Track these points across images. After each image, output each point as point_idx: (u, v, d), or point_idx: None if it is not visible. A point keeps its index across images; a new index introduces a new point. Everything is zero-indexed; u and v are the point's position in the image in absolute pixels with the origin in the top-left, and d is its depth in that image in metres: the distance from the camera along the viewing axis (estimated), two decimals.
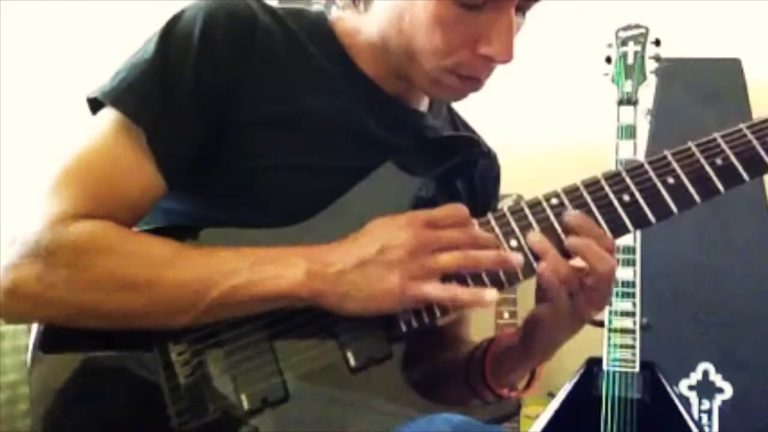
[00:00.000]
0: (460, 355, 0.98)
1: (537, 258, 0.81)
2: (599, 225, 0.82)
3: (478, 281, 0.80)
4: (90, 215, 0.79)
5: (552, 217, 0.82)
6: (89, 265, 0.77)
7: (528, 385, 0.99)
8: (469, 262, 0.79)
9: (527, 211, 0.83)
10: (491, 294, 0.78)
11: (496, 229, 0.82)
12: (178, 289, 0.77)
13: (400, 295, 0.77)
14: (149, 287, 0.77)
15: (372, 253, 0.77)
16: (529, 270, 0.81)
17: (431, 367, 0.92)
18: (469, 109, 0.99)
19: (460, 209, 0.81)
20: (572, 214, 0.81)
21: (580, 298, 0.82)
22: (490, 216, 0.83)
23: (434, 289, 0.77)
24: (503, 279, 0.81)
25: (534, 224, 0.82)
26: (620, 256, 1.82)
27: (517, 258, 0.80)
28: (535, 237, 0.81)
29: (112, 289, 0.77)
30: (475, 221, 0.83)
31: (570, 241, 0.80)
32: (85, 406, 0.80)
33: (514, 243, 0.82)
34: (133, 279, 0.77)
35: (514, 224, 0.82)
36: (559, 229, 0.82)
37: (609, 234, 0.82)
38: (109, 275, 0.77)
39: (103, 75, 0.86)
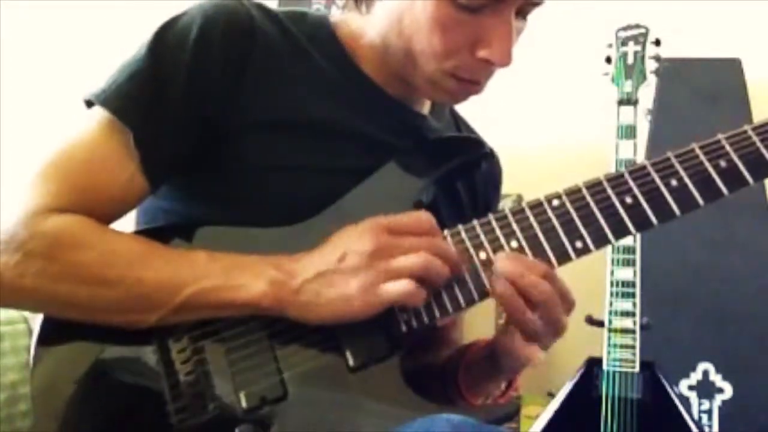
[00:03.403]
0: (444, 359, 0.98)
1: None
2: (601, 227, 0.81)
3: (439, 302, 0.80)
4: (68, 209, 0.80)
5: (554, 219, 0.82)
6: (63, 258, 0.78)
7: (504, 393, 0.98)
8: (428, 266, 0.77)
9: (529, 212, 0.82)
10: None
11: (497, 230, 0.82)
12: (148, 287, 0.78)
13: (361, 301, 0.76)
14: (120, 284, 0.78)
15: (333, 261, 0.77)
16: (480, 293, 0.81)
17: (420, 368, 0.91)
18: (470, 109, 0.99)
19: (423, 217, 0.81)
20: (499, 256, 0.79)
21: (526, 325, 0.79)
22: (491, 216, 0.83)
23: (394, 288, 0.76)
24: (474, 295, 0.81)
25: (535, 225, 0.82)
26: (620, 256, 1.82)
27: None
28: (498, 259, 0.79)
29: (84, 282, 0.78)
30: (476, 221, 0.83)
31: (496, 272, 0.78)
32: (86, 403, 0.81)
33: (514, 244, 0.81)
34: (105, 274, 0.78)
35: (515, 225, 0.82)
36: (560, 231, 0.81)
37: (611, 237, 0.81)
38: (81, 269, 0.78)
39: (102, 76, 0.86)
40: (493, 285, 0.79)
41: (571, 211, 0.82)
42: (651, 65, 1.94)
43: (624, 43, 1.96)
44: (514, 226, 0.82)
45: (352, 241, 0.78)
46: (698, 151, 0.82)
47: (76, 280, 0.78)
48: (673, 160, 0.82)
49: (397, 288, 0.76)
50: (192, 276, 0.78)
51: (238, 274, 0.78)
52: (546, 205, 0.82)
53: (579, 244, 0.81)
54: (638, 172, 0.82)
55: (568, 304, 0.81)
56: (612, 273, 1.83)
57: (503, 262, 0.79)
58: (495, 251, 0.81)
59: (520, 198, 2.17)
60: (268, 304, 0.78)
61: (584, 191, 0.82)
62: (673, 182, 0.81)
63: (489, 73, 0.87)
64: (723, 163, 0.81)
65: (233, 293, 0.78)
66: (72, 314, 0.79)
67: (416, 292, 0.77)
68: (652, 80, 1.96)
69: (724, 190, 0.80)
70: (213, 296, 0.78)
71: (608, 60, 1.98)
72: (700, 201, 0.81)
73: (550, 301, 0.78)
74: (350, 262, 0.77)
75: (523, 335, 0.81)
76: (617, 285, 1.83)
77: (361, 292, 0.76)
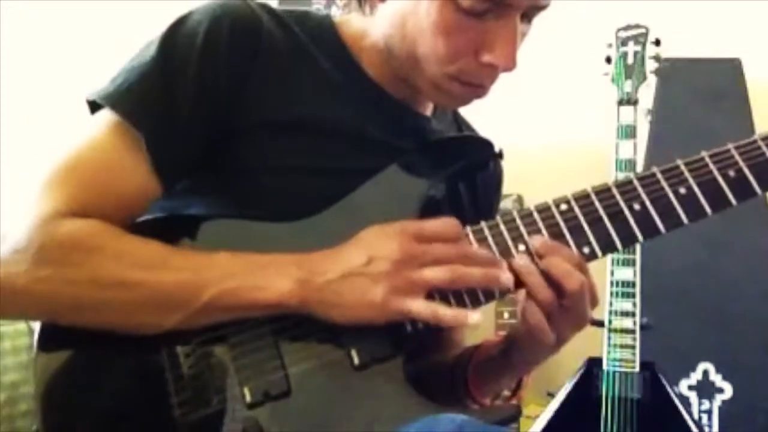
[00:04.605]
0: (450, 359, 0.98)
1: (520, 281, 0.80)
2: (609, 234, 0.81)
3: (457, 296, 0.80)
4: (82, 214, 0.79)
5: (562, 224, 0.82)
6: (79, 263, 0.77)
7: (513, 394, 0.99)
8: (455, 278, 0.78)
9: (536, 215, 0.82)
10: (474, 317, 0.77)
11: (504, 233, 0.82)
12: (169, 289, 0.77)
13: (382, 307, 0.76)
14: (140, 286, 0.77)
15: (359, 263, 0.77)
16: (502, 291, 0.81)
17: (424, 368, 0.92)
18: (470, 109, 0.99)
19: (452, 223, 0.81)
20: (536, 240, 0.81)
21: (557, 320, 0.81)
22: (498, 219, 0.83)
23: (417, 305, 0.77)
24: (481, 297, 0.81)
25: (543, 230, 0.82)
26: (620, 256, 1.83)
27: (506, 276, 0.79)
28: (522, 260, 0.80)
29: (102, 287, 0.77)
30: (484, 224, 0.83)
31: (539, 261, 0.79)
32: (88, 397, 0.80)
33: (522, 248, 0.82)
34: (125, 277, 0.77)
35: (522, 229, 0.82)
36: (568, 236, 0.81)
37: (619, 243, 0.81)
38: (99, 273, 0.77)
39: (104, 75, 0.86)
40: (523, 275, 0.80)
41: (579, 216, 0.82)
42: (651, 65, 1.94)
43: (624, 43, 1.96)
44: (522, 229, 0.82)
45: (380, 245, 0.78)
46: (708, 160, 0.82)
47: (94, 285, 0.77)
48: (683, 168, 0.82)
49: (422, 307, 0.76)
50: (214, 277, 0.77)
51: (261, 274, 0.78)
52: (554, 209, 0.82)
53: (586, 250, 0.81)
54: (647, 179, 0.82)
55: (594, 300, 0.82)
56: (612, 273, 1.83)
57: (546, 257, 0.79)
58: (502, 254, 0.81)
59: (520, 198, 2.17)
60: (292, 303, 0.78)
61: (593, 196, 0.82)
62: (682, 190, 0.81)
63: (493, 77, 0.87)
64: (732, 173, 0.81)
65: (257, 293, 0.77)
66: (91, 320, 0.78)
67: (438, 313, 0.77)
68: (652, 80, 1.96)
69: (733, 200, 0.81)
70: (236, 297, 0.77)
71: (608, 60, 1.97)
72: (708, 210, 0.81)
73: (580, 293, 0.79)
74: (377, 267, 0.77)
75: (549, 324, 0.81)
76: (617, 285, 1.83)
77: (385, 298, 0.76)
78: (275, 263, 0.79)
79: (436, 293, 0.79)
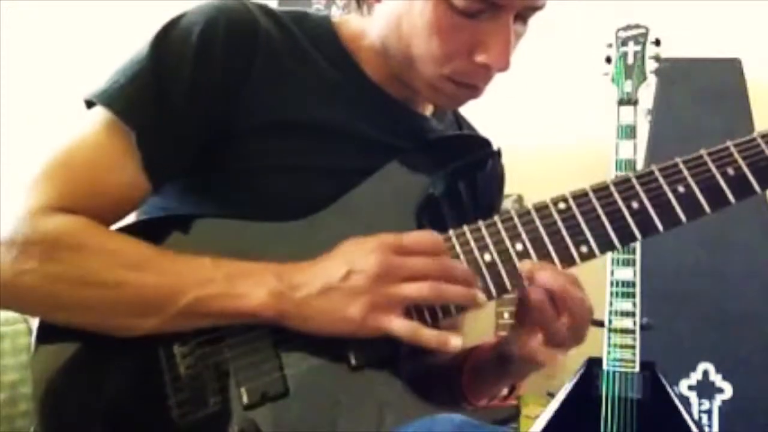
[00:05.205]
0: (446, 360, 0.98)
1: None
2: (607, 233, 0.81)
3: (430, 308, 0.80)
4: (69, 209, 0.79)
5: (559, 223, 0.81)
6: (60, 258, 0.77)
7: (509, 394, 0.99)
8: (433, 294, 0.77)
9: (534, 214, 0.82)
10: (456, 342, 0.77)
11: (502, 232, 0.82)
12: (148, 291, 0.77)
13: (360, 323, 0.76)
14: (118, 287, 0.77)
15: (337, 278, 0.77)
16: (500, 291, 0.81)
17: (421, 368, 0.92)
18: (470, 109, 0.99)
19: (432, 236, 0.81)
20: (527, 264, 0.80)
21: (557, 333, 0.81)
22: (496, 218, 0.83)
23: (396, 324, 0.76)
24: (453, 311, 0.80)
25: (541, 229, 0.81)
26: (620, 256, 1.83)
27: (481, 297, 0.79)
28: (525, 266, 0.80)
29: (81, 284, 0.77)
30: (481, 223, 0.83)
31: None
32: (86, 398, 0.80)
33: (519, 247, 0.81)
34: (104, 277, 0.77)
35: (520, 228, 0.82)
36: (566, 235, 0.81)
37: (617, 242, 0.81)
38: (79, 270, 0.77)
39: (103, 75, 0.86)
40: (529, 294, 0.79)
41: (577, 215, 0.81)
42: (651, 65, 1.93)
43: (624, 43, 1.96)
44: (520, 228, 0.82)
45: (358, 259, 0.77)
46: (706, 158, 0.82)
47: (74, 281, 0.77)
48: (681, 166, 0.81)
49: (401, 326, 0.76)
50: (193, 282, 0.77)
51: (240, 283, 0.77)
52: (552, 208, 0.82)
53: (584, 249, 0.81)
54: (645, 177, 0.82)
55: (590, 312, 0.82)
56: (612, 273, 1.83)
57: (541, 273, 0.79)
58: (500, 253, 0.81)
59: (520, 198, 2.17)
60: (268, 315, 0.77)
61: (591, 195, 0.82)
62: (680, 189, 0.81)
63: (488, 78, 0.87)
64: (731, 171, 0.81)
65: (235, 302, 0.77)
66: (69, 317, 0.79)
67: (419, 335, 0.76)
68: (652, 80, 1.95)
69: (732, 198, 0.80)
70: (213, 303, 0.77)
71: (608, 60, 1.97)
72: (707, 208, 0.81)
73: (580, 310, 0.79)
74: (354, 282, 0.76)
75: (550, 342, 0.81)
76: (617, 285, 1.83)
77: (362, 314, 0.76)
78: (256, 272, 0.78)
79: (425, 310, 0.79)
